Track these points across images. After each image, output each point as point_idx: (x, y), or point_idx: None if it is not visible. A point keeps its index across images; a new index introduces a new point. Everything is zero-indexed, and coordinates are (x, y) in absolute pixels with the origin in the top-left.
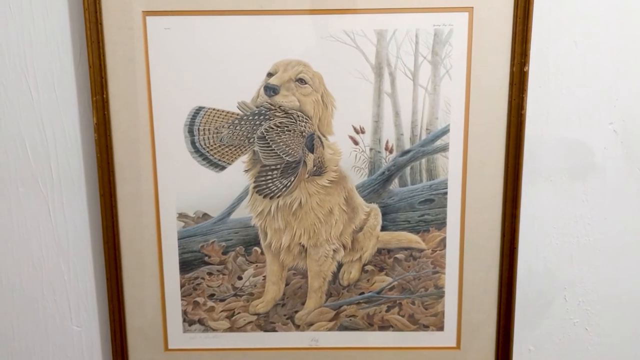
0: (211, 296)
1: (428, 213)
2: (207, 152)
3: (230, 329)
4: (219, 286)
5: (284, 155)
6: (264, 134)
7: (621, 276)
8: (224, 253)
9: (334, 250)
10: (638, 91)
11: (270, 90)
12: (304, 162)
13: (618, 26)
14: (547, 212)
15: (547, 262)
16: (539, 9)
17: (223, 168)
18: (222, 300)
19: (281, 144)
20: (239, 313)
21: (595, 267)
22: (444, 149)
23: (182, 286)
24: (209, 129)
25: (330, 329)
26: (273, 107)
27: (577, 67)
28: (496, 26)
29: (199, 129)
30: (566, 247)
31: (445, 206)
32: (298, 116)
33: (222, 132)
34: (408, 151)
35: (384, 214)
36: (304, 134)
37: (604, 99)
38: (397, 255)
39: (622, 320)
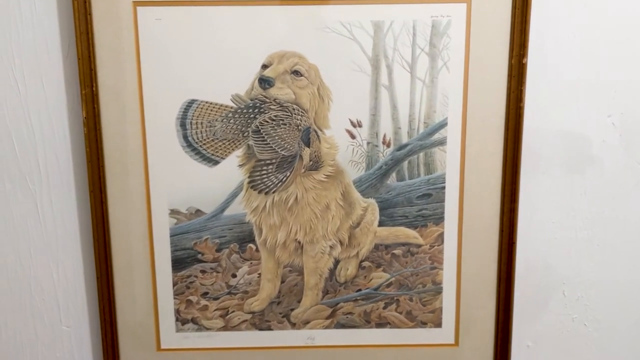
0: (204, 294)
1: (426, 208)
2: (200, 146)
3: (225, 328)
4: (212, 284)
5: (279, 150)
6: (258, 127)
7: (620, 270)
8: (218, 250)
9: (330, 247)
10: (637, 84)
11: (265, 82)
12: (300, 156)
13: (617, 18)
14: (545, 206)
15: (545, 257)
16: (538, 0)
17: (216, 163)
18: (215, 298)
19: (276, 137)
20: (233, 311)
21: (594, 261)
22: (442, 142)
23: (174, 284)
24: (201, 123)
25: (326, 327)
26: (268, 100)
27: (576, 59)
28: (494, 17)
29: (191, 122)
30: (565, 242)
31: (443, 201)
32: (294, 109)
33: (215, 126)
34: (406, 145)
35: (381, 209)
36: (299, 127)
37: (602, 92)
38: (394, 251)
39: (621, 316)
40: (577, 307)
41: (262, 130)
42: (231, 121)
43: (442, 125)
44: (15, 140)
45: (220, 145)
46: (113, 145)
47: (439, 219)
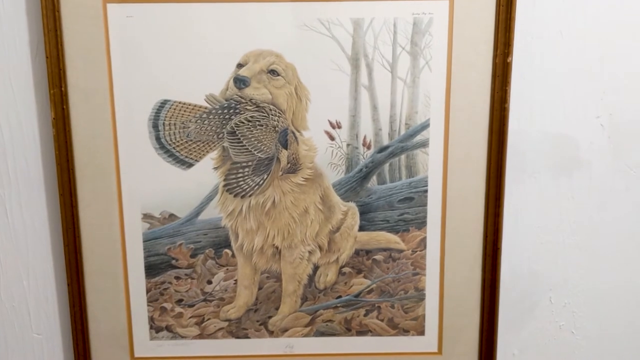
0: (179, 301)
1: (408, 212)
2: (173, 148)
3: (200, 336)
4: (187, 291)
5: (255, 152)
6: (234, 128)
7: (608, 277)
8: (193, 256)
9: (309, 252)
10: (625, 84)
11: (241, 82)
12: (277, 158)
13: (605, 16)
14: (531, 210)
15: (531, 263)
16: None
17: (190, 165)
18: (190, 305)
19: (253, 139)
20: (209, 319)
21: (581, 267)
22: (424, 144)
23: (148, 291)
24: (174, 124)
25: (305, 335)
26: (243, 100)
27: (563, 59)
28: (478, 15)
29: (164, 123)
30: (551, 247)
31: (425, 205)
32: (270, 110)
33: (189, 127)
34: (387, 147)
35: (361, 213)
36: (276, 128)
37: (590, 92)
38: (375, 257)
39: (609, 323)
40: (564, 314)
41: (237, 132)
42: (205, 122)
43: (424, 126)
44: None
45: (194, 147)
46: (83, 147)
47: (422, 224)
